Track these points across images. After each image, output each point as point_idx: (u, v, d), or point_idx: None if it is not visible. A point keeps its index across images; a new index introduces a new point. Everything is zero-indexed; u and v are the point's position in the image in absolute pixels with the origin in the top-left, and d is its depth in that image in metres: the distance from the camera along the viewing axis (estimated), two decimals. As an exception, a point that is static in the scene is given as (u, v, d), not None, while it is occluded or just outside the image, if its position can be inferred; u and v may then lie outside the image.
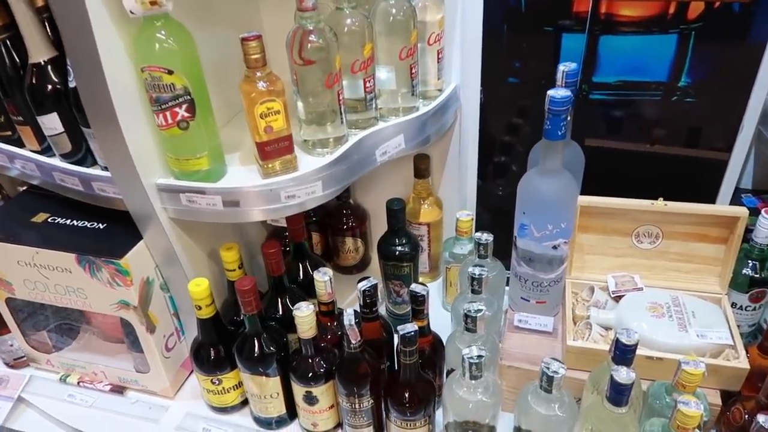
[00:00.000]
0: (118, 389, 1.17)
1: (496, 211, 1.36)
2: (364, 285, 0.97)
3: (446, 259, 1.23)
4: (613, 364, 0.87)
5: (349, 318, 0.90)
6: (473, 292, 1.01)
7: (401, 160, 1.28)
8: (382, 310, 1.29)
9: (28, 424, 1.15)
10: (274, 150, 0.91)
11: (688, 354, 0.92)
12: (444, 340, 1.04)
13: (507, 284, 1.17)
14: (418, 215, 1.28)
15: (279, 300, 1.08)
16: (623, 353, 0.85)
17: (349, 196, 1.33)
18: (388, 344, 1.05)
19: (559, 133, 0.90)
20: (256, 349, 0.99)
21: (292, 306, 0.94)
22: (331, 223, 1.37)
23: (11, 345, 1.20)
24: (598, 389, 0.89)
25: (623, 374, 0.80)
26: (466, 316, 0.92)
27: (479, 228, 1.14)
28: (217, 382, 1.06)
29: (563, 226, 0.97)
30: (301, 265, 1.16)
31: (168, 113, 0.86)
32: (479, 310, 0.92)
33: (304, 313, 0.93)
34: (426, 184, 1.26)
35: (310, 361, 0.98)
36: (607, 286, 1.08)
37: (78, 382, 1.19)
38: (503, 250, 1.10)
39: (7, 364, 1.24)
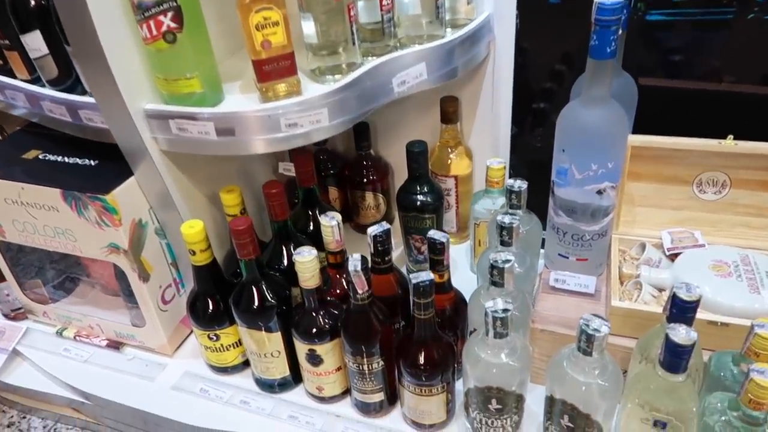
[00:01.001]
0: (115, 345, 1.09)
1: (532, 165, 1.21)
2: (375, 230, 0.85)
3: (475, 213, 1.09)
4: (667, 324, 0.73)
5: (354, 263, 0.78)
6: (502, 243, 0.88)
7: (426, 105, 1.16)
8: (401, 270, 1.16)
9: (23, 378, 1.09)
10: (273, 70, 0.79)
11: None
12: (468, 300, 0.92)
13: (542, 246, 1.03)
14: (446, 166, 1.15)
15: (283, 249, 0.97)
16: (682, 311, 0.70)
17: (369, 146, 1.21)
18: (404, 301, 0.93)
19: (608, 50, 0.75)
20: (255, 299, 0.88)
21: (294, 252, 0.83)
22: (350, 177, 1.25)
23: (8, 295, 1.13)
24: (648, 357, 0.75)
25: (682, 333, 0.65)
26: (492, 267, 0.79)
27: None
28: (214, 337, 0.96)
29: (610, 167, 0.83)
30: (311, 214, 1.04)
31: (152, 23, 0.75)
32: (507, 260, 0.79)
33: (306, 258, 0.81)
34: (454, 131, 1.12)
35: (313, 315, 0.87)
36: (661, 243, 0.93)
37: (74, 336, 1.11)
38: (541, 208, 0.96)
39: (6, 316, 1.17)
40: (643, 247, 0.93)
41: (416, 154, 0.98)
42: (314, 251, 0.82)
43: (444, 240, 0.82)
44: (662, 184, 0.93)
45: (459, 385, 0.89)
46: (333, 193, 1.28)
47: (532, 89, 1.18)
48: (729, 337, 0.78)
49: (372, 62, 0.86)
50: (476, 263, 1.16)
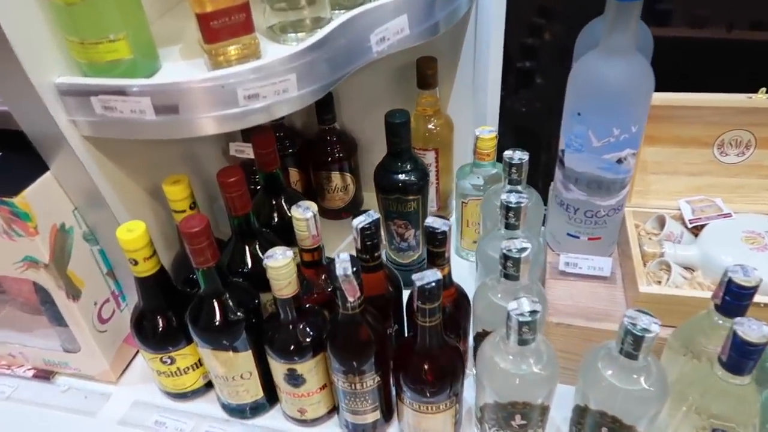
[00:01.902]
0: (44, 375, 0.90)
1: (517, 132, 1.09)
2: (362, 221, 0.70)
3: (462, 190, 0.96)
4: (717, 314, 0.62)
5: (344, 266, 0.63)
6: (508, 227, 0.75)
7: (397, 69, 1.01)
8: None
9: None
10: (223, 26, 0.62)
11: (813, 297, 0.67)
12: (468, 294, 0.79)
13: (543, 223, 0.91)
14: (424, 138, 1.00)
15: (246, 248, 0.80)
16: (737, 299, 0.60)
17: (334, 119, 1.05)
18: (396, 301, 0.79)
19: (637, -11, 0.62)
20: (217, 315, 0.72)
21: (264, 255, 0.67)
22: (312, 155, 1.09)
23: None
24: (696, 352, 0.64)
25: (754, 329, 0.54)
26: (506, 257, 0.66)
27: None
28: (168, 360, 0.79)
29: (633, 131, 0.70)
30: (275, 204, 0.88)
31: (56, -34, 0.56)
32: (523, 249, 0.66)
33: (279, 263, 0.66)
34: (432, 98, 0.98)
35: (291, 328, 0.71)
36: (680, 214, 0.82)
37: (-8, 368, 0.92)
38: (530, 180, 0.83)
39: None
40: (660, 220, 0.83)
41: (398, 126, 0.83)
42: (289, 253, 0.67)
43: (446, 229, 0.69)
44: (679, 148, 0.82)
45: (467, 395, 0.76)
46: (293, 174, 1.12)
47: (510, 46, 1.05)
48: (774, 320, 0.68)
49: (343, 15, 0.70)
50: (466, 250, 1.03)
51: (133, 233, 0.69)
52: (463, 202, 0.97)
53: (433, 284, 0.62)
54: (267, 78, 0.64)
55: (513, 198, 0.73)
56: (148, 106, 0.63)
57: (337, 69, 0.70)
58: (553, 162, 1.08)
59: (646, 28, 0.77)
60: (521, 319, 0.59)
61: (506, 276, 0.68)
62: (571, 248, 0.83)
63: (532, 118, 1.07)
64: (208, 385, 0.85)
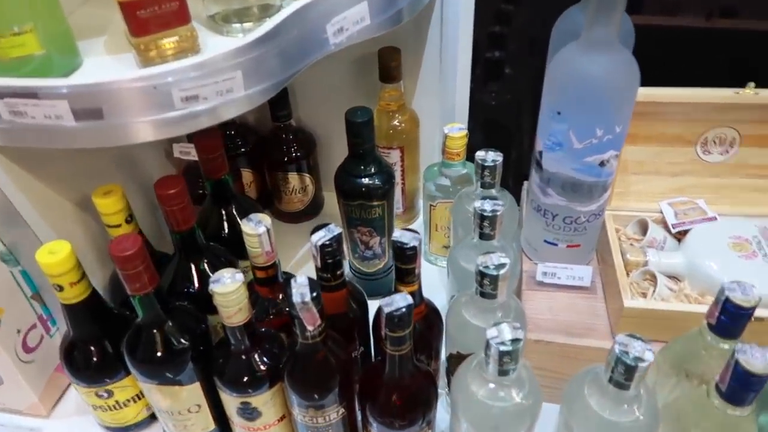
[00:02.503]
0: (-36, 410, 0.80)
1: (486, 127, 1.02)
2: (321, 238, 0.62)
3: (430, 192, 0.89)
4: (711, 334, 0.57)
5: (301, 291, 0.55)
6: (483, 236, 0.69)
7: (358, 60, 0.92)
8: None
9: None
10: (153, 16, 0.53)
11: (807, 309, 0.62)
12: (439, 309, 0.72)
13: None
14: (388, 136, 0.93)
15: (191, 266, 0.71)
16: (734, 320, 0.55)
17: (289, 115, 0.96)
18: (360, 321, 0.72)
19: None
20: (158, 346, 0.63)
21: (211, 279, 0.59)
22: (267, 155, 1.00)
23: None
24: (691, 374, 0.59)
25: (758, 358, 0.49)
26: (483, 275, 0.59)
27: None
28: (105, 394, 0.70)
29: (618, 131, 0.64)
30: (225, 213, 0.79)
31: (-62, -58, 0.46)
32: (502, 265, 0.59)
33: (228, 288, 0.57)
34: (396, 92, 0.90)
35: (243, 357, 0.63)
36: (662, 217, 0.77)
37: None
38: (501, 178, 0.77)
39: None
40: (642, 224, 0.77)
41: (360, 125, 0.75)
42: (239, 276, 0.58)
43: (416, 243, 0.61)
44: (661, 146, 0.77)
45: (440, 419, 0.70)
46: (246, 176, 1.03)
47: (480, 35, 0.98)
48: (766, 333, 0.64)
49: (295, 3, 0.62)
50: (434, 254, 0.97)
51: (56, 255, 0.60)
52: (431, 205, 0.90)
53: (404, 310, 0.55)
54: (208, 76, 0.56)
55: (488, 206, 0.67)
56: (66, 110, 0.54)
57: (289, 64, 0.62)
58: (526, 159, 1.02)
59: (626, 16, 0.71)
60: (502, 348, 0.53)
61: (482, 294, 0.61)
62: (548, 256, 0.77)
63: (503, 112, 1.00)
64: (154, 416, 0.76)
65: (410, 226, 1.04)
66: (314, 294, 0.56)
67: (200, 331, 0.67)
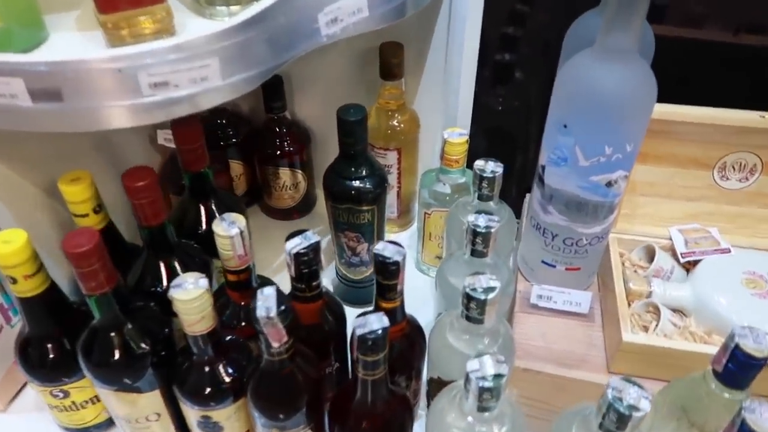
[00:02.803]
0: None
1: (490, 134, 0.97)
2: (296, 245, 0.57)
3: (425, 200, 0.84)
4: (716, 381, 0.52)
5: (267, 304, 0.51)
6: (474, 253, 0.63)
7: (360, 53, 0.87)
8: (329, 274, 0.90)
9: None
10: (122, -8, 0.48)
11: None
12: (422, 325, 0.67)
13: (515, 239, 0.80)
14: (386, 136, 0.87)
15: (161, 264, 0.67)
16: (743, 369, 0.49)
17: (284, 106, 0.91)
18: (337, 334, 0.67)
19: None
20: (115, 350, 0.59)
21: (171, 284, 0.54)
22: (258, 148, 0.95)
23: None
24: (691, 419, 0.54)
25: (767, 420, 0.44)
26: (470, 298, 0.54)
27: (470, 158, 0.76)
28: (60, 394, 0.66)
29: (628, 150, 0.59)
30: (203, 210, 0.74)
31: None
32: (491, 289, 0.54)
33: (189, 295, 0.53)
34: (397, 90, 0.85)
35: (206, 369, 0.59)
36: (671, 245, 0.72)
37: None
38: (503, 188, 0.71)
39: None
40: (649, 251, 0.72)
41: (352, 124, 0.70)
42: (203, 281, 0.54)
43: (399, 258, 0.56)
44: (675, 168, 0.71)
45: None
46: (236, 168, 0.98)
47: (489, 35, 0.93)
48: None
49: (287, -12, 0.56)
50: (427, 264, 0.92)
51: (10, 245, 0.55)
52: (426, 213, 0.85)
53: (379, 332, 0.50)
54: (181, 62, 0.51)
55: (482, 221, 0.62)
56: (21, 89, 0.49)
57: (276, 54, 0.57)
58: (530, 169, 0.96)
59: (647, 25, 0.65)
60: (483, 384, 0.48)
61: (468, 318, 0.56)
62: (545, 278, 0.72)
63: (509, 118, 0.95)
64: (113, 421, 0.72)
65: (404, 232, 0.99)
66: (282, 308, 0.51)
67: (163, 335, 0.62)
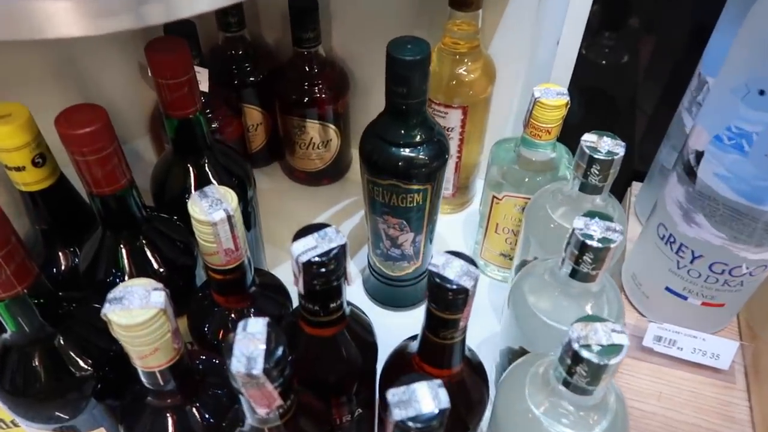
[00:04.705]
0: None
1: (586, 94, 0.73)
2: (307, 251, 0.36)
3: (495, 179, 0.62)
4: None
5: (249, 353, 0.31)
6: (576, 274, 0.42)
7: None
8: (359, 263, 0.70)
9: None
10: None
11: None
12: (478, 351, 0.47)
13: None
14: (450, 88, 0.65)
15: (122, 251, 0.47)
16: None
17: (317, 39, 0.69)
18: (363, 371, 0.47)
19: None
20: (39, 374, 0.40)
21: (113, 290, 0.34)
22: (282, 91, 0.74)
23: None
24: None
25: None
26: (575, 358, 0.34)
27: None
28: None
29: None
30: (192, 172, 0.53)
31: None
32: (610, 352, 0.34)
33: (133, 318, 0.33)
34: (470, 26, 0.62)
35: (167, 415, 0.40)
36: None
37: None
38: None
39: None
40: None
41: (408, 66, 0.47)
42: (158, 297, 0.34)
43: (469, 284, 0.35)
44: None
45: None
46: (252, 115, 0.77)
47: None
48: None
49: None
50: (488, 263, 0.71)
51: None
52: (494, 197, 0.63)
53: (431, 421, 0.29)
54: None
55: (596, 230, 0.40)
56: None
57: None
58: (639, 151, 0.73)
59: None
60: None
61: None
62: (666, 311, 0.50)
63: (615, 76, 0.71)
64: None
65: (457, 214, 0.78)
66: (275, 359, 0.31)
67: (114, 351, 0.43)
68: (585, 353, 0.34)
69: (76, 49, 0.57)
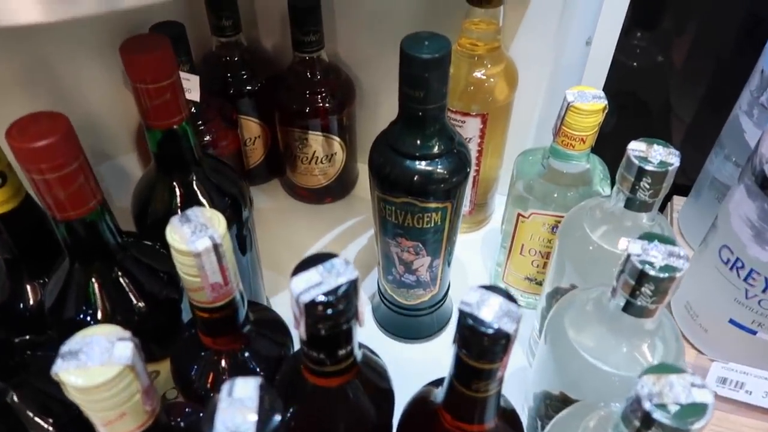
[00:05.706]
0: None
1: (620, 98, 0.67)
2: (311, 287, 0.29)
3: (520, 194, 0.55)
4: None
5: (233, 420, 0.24)
6: (630, 308, 0.35)
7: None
8: (368, 289, 0.63)
9: None
10: None
11: None
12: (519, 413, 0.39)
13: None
14: (465, 94, 0.59)
15: (93, 284, 0.40)
16: None
17: (320, 42, 0.63)
18: (376, 425, 0.40)
19: None
20: (-15, 436, 0.33)
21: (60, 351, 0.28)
22: (282, 101, 0.67)
23: None
24: None
25: None
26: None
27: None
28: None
29: None
30: (178, 190, 0.47)
31: None
32: (698, 410, 0.26)
33: (92, 379, 0.26)
34: (491, 25, 0.55)
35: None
36: None
37: None
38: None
39: None
40: None
41: (425, 65, 0.41)
42: (123, 350, 0.27)
43: (511, 329, 0.28)
44: None
45: None
46: (250, 128, 0.71)
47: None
48: None
49: None
50: (506, 278, 0.64)
51: None
52: (520, 215, 0.56)
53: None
54: None
55: (658, 255, 0.33)
56: None
57: None
58: (683, 164, 0.66)
59: None
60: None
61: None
62: (730, 347, 0.43)
63: (653, 78, 0.64)
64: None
65: (475, 233, 0.71)
66: (267, 428, 0.24)
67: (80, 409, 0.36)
68: (660, 416, 0.27)
69: (49, 53, 0.51)
